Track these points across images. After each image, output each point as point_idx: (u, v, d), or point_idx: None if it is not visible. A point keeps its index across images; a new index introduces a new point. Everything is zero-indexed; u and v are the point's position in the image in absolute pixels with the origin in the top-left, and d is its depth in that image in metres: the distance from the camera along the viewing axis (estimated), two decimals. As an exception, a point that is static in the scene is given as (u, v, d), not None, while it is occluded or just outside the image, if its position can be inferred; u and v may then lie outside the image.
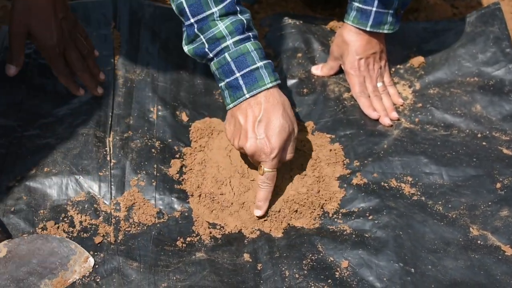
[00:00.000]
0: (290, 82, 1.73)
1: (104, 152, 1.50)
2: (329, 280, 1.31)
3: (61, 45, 1.53)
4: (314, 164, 1.51)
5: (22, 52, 1.55)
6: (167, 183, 1.48)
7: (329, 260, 1.34)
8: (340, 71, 1.74)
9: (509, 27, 1.80)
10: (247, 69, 1.39)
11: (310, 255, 1.35)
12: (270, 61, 1.43)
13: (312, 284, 1.30)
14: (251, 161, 1.46)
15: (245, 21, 1.41)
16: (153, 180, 1.47)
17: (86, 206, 1.42)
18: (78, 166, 1.46)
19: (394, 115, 1.64)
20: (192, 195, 1.47)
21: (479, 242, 1.38)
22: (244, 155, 1.49)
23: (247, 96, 1.39)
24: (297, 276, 1.31)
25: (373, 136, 1.59)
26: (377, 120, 1.63)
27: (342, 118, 1.64)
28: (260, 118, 1.38)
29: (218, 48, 1.40)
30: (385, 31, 1.65)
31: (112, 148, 1.51)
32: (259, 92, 1.39)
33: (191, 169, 1.50)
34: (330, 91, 1.70)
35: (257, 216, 1.43)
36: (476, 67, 1.74)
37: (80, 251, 1.32)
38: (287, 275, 1.32)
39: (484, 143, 1.58)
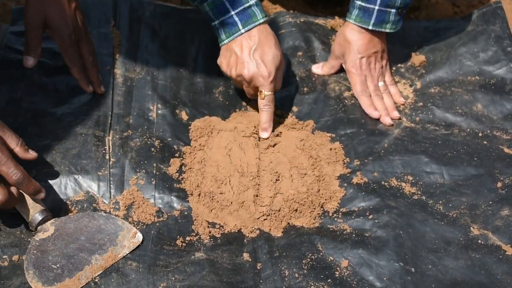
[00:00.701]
0: (291, 80, 1.72)
1: (103, 151, 1.49)
2: (329, 280, 1.30)
3: (76, 34, 1.53)
4: (314, 163, 1.51)
5: (40, 42, 1.54)
6: (166, 182, 1.47)
7: (329, 260, 1.34)
8: (341, 70, 1.74)
9: (510, 26, 1.79)
10: (241, 7, 1.52)
11: (310, 254, 1.35)
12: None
13: (312, 284, 1.29)
14: (249, 89, 1.56)
15: None
16: (152, 179, 1.47)
17: (85, 205, 1.41)
18: (77, 165, 1.46)
19: (396, 114, 1.64)
20: (191, 194, 1.46)
21: (479, 241, 1.37)
22: (242, 151, 1.49)
23: (243, 31, 1.53)
24: (296, 275, 1.31)
25: (373, 135, 1.59)
26: (378, 119, 1.63)
27: (342, 117, 1.63)
28: (255, 47, 1.52)
29: None
30: (387, 30, 1.65)
31: (111, 147, 1.51)
32: (253, 27, 1.53)
33: (190, 168, 1.50)
34: (331, 90, 1.70)
35: (263, 138, 1.55)
36: (477, 66, 1.73)
37: (127, 227, 1.36)
38: (286, 274, 1.31)
39: (485, 142, 1.57)
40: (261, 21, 1.53)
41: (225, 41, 1.55)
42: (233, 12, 1.52)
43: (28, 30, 1.52)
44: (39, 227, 1.34)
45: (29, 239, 1.34)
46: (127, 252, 1.33)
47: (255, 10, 1.53)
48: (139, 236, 1.35)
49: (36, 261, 1.29)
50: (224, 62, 1.57)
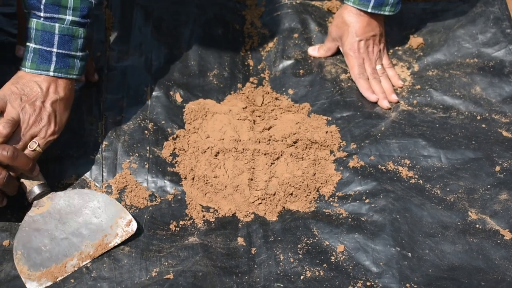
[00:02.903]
0: (286, 63, 1.70)
1: (96, 135, 1.48)
2: (325, 265, 1.29)
3: None
4: (310, 146, 1.49)
5: None
6: (160, 165, 1.45)
7: (325, 244, 1.32)
8: (337, 52, 1.72)
9: (509, 7, 1.77)
10: (66, 52, 1.33)
11: (305, 239, 1.33)
12: (87, 53, 1.39)
13: (307, 269, 1.28)
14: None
15: (92, 5, 1.35)
16: (145, 163, 1.45)
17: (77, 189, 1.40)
18: (69, 149, 1.44)
19: (394, 97, 1.62)
20: (185, 178, 1.44)
21: (477, 226, 1.36)
22: (237, 134, 1.47)
23: (51, 74, 1.32)
24: (292, 260, 1.29)
25: (370, 118, 1.57)
26: (374, 103, 1.61)
27: (339, 99, 1.61)
28: (58, 101, 1.34)
29: (55, 15, 1.32)
30: (386, 13, 1.63)
31: (104, 130, 1.49)
32: (63, 78, 1.34)
33: (184, 152, 1.48)
34: (327, 73, 1.68)
35: None
36: (476, 48, 1.71)
37: (123, 214, 1.33)
38: (281, 259, 1.30)
39: (483, 126, 1.55)
40: (74, 77, 1.35)
41: (26, 70, 1.33)
42: (55, 50, 1.32)
43: (20, 20, 1.51)
44: (35, 202, 1.31)
45: (19, 224, 1.32)
46: (119, 242, 1.30)
47: (77, 64, 1.35)
48: (133, 226, 1.32)
49: (27, 239, 1.28)
50: (14, 92, 1.31)
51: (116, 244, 1.30)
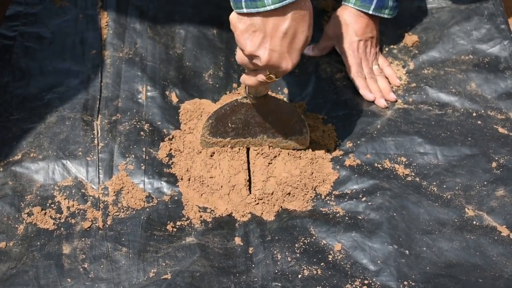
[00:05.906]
0: (282, 62, 1.69)
1: (92, 136, 1.47)
2: (322, 264, 1.28)
3: None
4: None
5: None
6: (156, 167, 1.45)
7: (322, 243, 1.32)
8: (332, 51, 1.71)
9: (503, 3, 1.77)
10: None
11: (303, 238, 1.33)
12: None
13: (305, 268, 1.28)
14: (250, 65, 1.28)
15: None
16: (142, 164, 1.45)
17: (73, 191, 1.39)
18: (65, 150, 1.44)
19: (392, 96, 1.62)
20: (181, 179, 1.44)
21: (474, 222, 1.36)
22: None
23: (271, 7, 1.17)
24: (289, 259, 1.29)
25: (366, 116, 1.57)
26: (371, 101, 1.61)
27: (334, 98, 1.61)
28: (286, 31, 1.21)
29: None
30: (385, 16, 1.64)
31: (100, 132, 1.49)
32: (286, 4, 1.18)
33: (180, 152, 1.48)
34: (322, 72, 1.68)
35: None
36: (471, 44, 1.71)
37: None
38: (279, 258, 1.30)
39: (479, 122, 1.55)
40: None
41: (242, 10, 1.19)
42: None
43: None
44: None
45: (16, 226, 1.32)
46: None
47: None
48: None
49: (222, 116, 1.43)
50: (249, 38, 1.22)
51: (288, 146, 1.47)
